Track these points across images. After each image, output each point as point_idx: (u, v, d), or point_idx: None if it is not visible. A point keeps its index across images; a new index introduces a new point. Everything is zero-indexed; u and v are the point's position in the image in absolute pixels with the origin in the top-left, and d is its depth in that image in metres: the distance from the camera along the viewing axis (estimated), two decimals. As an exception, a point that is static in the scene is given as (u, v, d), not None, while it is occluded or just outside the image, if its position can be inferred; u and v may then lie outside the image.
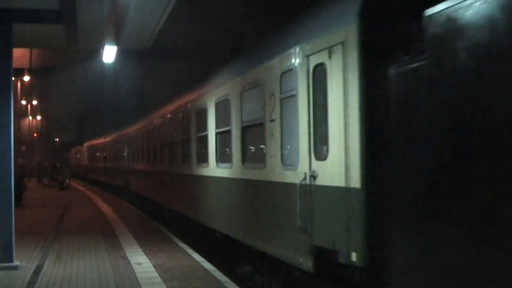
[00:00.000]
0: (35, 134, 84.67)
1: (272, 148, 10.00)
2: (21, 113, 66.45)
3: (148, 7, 12.77)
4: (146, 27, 14.35)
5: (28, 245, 16.20)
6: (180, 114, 18.38)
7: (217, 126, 13.82)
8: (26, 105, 74.25)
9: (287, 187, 9.12)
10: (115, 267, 13.12)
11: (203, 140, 15.03)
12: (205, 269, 12.86)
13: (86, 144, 64.82)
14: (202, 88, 15.71)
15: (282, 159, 9.59)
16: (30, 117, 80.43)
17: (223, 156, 13.46)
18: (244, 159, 11.79)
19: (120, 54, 16.03)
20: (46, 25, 13.90)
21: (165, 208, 22.03)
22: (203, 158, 15.23)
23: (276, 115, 9.79)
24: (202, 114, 15.19)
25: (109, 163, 43.09)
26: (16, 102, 54.41)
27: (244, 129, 11.73)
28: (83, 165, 67.39)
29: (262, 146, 10.67)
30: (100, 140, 50.45)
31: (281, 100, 9.59)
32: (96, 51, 17.00)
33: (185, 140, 17.61)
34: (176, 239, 17.54)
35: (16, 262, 13.21)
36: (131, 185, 32.16)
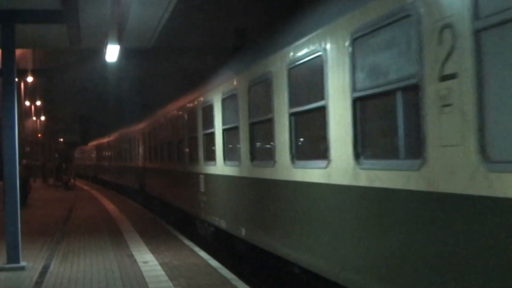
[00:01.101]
0: (39, 135, 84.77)
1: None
2: (25, 114, 66.53)
3: (150, 5, 12.76)
4: (148, 25, 14.34)
5: (35, 245, 16.22)
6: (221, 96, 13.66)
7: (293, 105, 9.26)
8: (30, 106, 74.36)
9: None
10: (122, 266, 13.13)
11: (264, 128, 10.62)
12: (212, 267, 12.86)
13: (94, 142, 61.64)
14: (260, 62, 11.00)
15: None
16: (34, 118, 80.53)
17: (307, 152, 9.12)
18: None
19: (123, 53, 16.03)
20: (49, 25, 13.91)
21: (197, 220, 17.20)
22: (264, 153, 10.79)
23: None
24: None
25: (121, 162, 38.13)
26: (20, 102, 54.46)
27: None
28: (91, 165, 64.19)
29: None
30: (109, 138, 46.46)
31: None
32: (99, 51, 17.00)
33: (229, 130, 13.09)
34: (182, 237, 17.55)
35: (22, 263, 13.23)
36: (148, 187, 27.85)
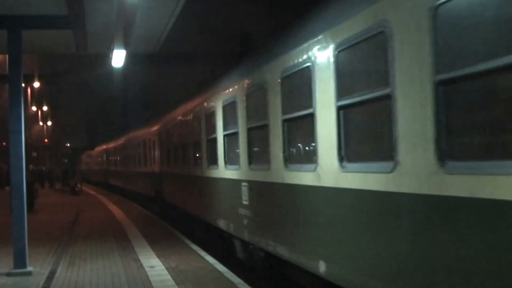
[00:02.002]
0: (46, 140, 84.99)
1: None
2: (31, 119, 66.74)
3: (156, 10, 12.78)
4: (155, 30, 14.37)
5: (41, 250, 16.25)
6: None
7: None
8: (37, 111, 74.56)
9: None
10: (128, 271, 13.14)
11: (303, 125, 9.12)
12: (218, 271, 12.85)
13: (103, 146, 57.05)
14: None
15: None
16: (41, 123, 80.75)
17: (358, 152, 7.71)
18: None
19: (129, 58, 16.07)
20: (55, 31, 13.94)
21: (236, 239, 13.87)
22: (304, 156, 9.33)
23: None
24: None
25: (134, 167, 34.88)
26: (27, 108, 54.60)
27: None
28: (100, 170, 59.60)
29: None
30: (121, 140, 42.47)
31: None
32: (105, 56, 17.04)
33: (259, 128, 11.18)
34: (188, 241, 17.55)
35: (29, 268, 13.25)
36: (166, 195, 24.40)
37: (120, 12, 11.39)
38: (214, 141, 14.88)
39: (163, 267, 13.50)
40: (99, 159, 61.52)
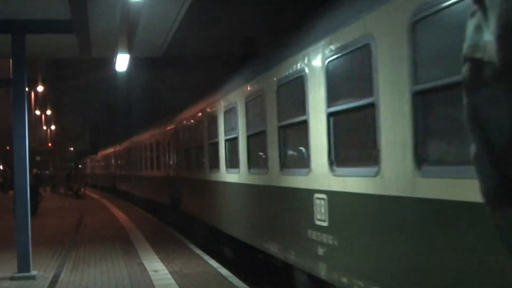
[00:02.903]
0: (49, 144, 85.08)
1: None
2: (35, 123, 66.85)
3: (160, 15, 12.81)
4: (158, 35, 14.39)
5: (45, 254, 16.26)
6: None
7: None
8: (40, 115, 74.67)
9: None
10: (132, 275, 13.14)
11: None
12: (222, 275, 12.84)
13: (112, 149, 52.14)
14: None
15: None
16: (45, 127, 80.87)
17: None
18: None
19: (133, 62, 16.09)
20: (59, 35, 13.97)
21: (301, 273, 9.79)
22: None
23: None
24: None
25: (146, 171, 31.05)
26: (30, 112, 54.69)
27: None
28: (108, 174, 54.92)
29: None
30: (131, 142, 38.27)
31: None
32: (109, 60, 17.07)
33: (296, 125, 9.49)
34: (191, 246, 17.54)
35: (33, 272, 13.26)
36: (185, 204, 20.72)
37: (124, 16, 11.41)
38: (261, 136, 11.09)
39: (166, 271, 13.49)
40: (106, 163, 56.72)
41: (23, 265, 13.15)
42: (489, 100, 1.77)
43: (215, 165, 15.29)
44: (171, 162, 23.45)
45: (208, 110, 16.13)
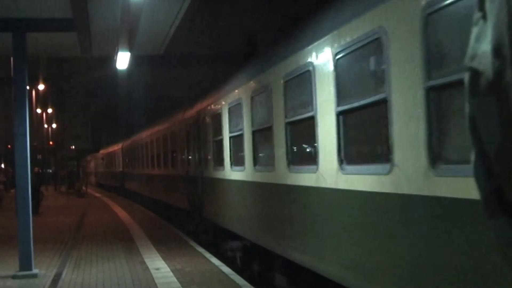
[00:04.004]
0: (51, 142, 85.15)
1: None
2: (36, 122, 66.87)
3: (161, 12, 12.80)
4: (159, 32, 14.38)
5: (47, 252, 16.26)
6: None
7: None
8: (42, 113, 74.72)
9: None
10: (134, 273, 13.14)
11: None
12: (224, 273, 12.84)
13: (119, 145, 47.62)
14: None
15: None
16: (46, 125, 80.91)
17: None
18: None
19: (134, 61, 16.08)
20: (60, 33, 13.97)
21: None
22: None
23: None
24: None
25: (160, 168, 26.77)
26: (32, 110, 54.70)
27: None
28: (115, 172, 50.19)
29: None
30: (142, 137, 33.62)
31: None
32: (110, 58, 17.06)
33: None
34: (193, 243, 17.55)
35: (35, 270, 13.26)
36: (210, 212, 16.72)
37: (125, 15, 11.40)
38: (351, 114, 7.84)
39: (168, 269, 13.50)
40: (113, 160, 51.84)
41: (25, 264, 13.15)
42: (483, 111, 1.78)
43: (268, 161, 11.16)
44: (190, 158, 19.79)
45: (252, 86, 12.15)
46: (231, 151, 14.24)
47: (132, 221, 25.38)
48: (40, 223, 23.10)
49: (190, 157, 19.96)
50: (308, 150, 9.54)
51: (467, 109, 1.84)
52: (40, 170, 49.03)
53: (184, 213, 21.27)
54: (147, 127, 33.87)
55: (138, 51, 15.96)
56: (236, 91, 13.59)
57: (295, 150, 10.04)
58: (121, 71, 20.76)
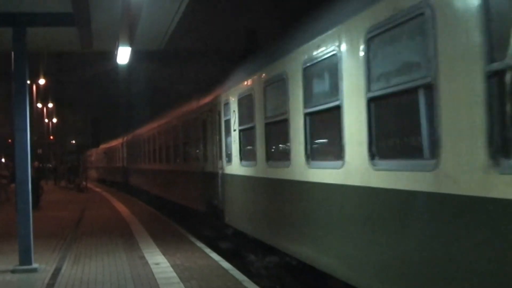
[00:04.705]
0: (51, 137, 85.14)
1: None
2: (37, 116, 66.86)
3: (161, 7, 12.78)
4: (160, 27, 14.35)
5: (47, 247, 16.26)
6: None
7: None
8: (42, 108, 74.70)
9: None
10: (133, 268, 13.14)
11: None
12: (223, 268, 12.85)
13: (123, 138, 44.11)
14: None
15: None
16: (46, 120, 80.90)
17: None
18: None
19: (134, 55, 16.06)
20: (60, 28, 13.95)
21: None
22: None
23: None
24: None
25: (170, 164, 24.24)
26: (32, 105, 54.66)
27: None
28: (118, 167, 47.32)
29: None
30: (150, 128, 30.51)
31: None
32: (110, 53, 17.03)
33: None
34: (193, 239, 17.54)
35: (34, 265, 13.27)
36: (232, 215, 14.55)
37: (125, 9, 11.39)
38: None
39: (168, 264, 13.50)
40: (116, 155, 49.53)
41: (25, 258, 13.16)
42: None
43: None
44: (207, 151, 17.05)
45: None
46: (266, 142, 11.48)
47: (132, 216, 25.37)
48: (40, 218, 23.09)
49: (207, 150, 17.15)
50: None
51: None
52: (41, 165, 48.97)
53: (200, 215, 18.65)
54: (154, 118, 30.49)
55: (138, 46, 15.94)
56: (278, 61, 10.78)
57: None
58: (122, 66, 20.63)
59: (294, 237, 10.19)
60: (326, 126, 9.08)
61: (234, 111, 13.68)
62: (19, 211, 13.32)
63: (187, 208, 20.41)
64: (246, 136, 12.97)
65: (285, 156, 10.40)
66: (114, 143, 51.82)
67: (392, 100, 6.79)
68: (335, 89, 8.10)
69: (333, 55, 8.15)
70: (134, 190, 38.59)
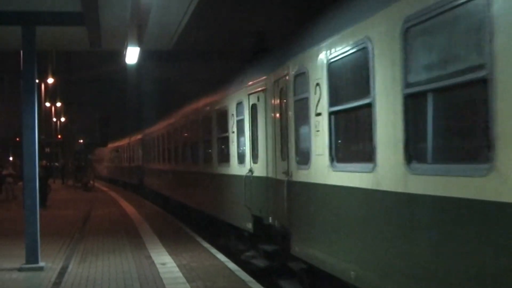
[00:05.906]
0: (59, 136, 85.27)
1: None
2: (45, 115, 66.97)
3: (170, 7, 12.79)
4: (169, 27, 14.37)
5: (54, 246, 16.29)
6: None
7: None
8: (50, 107, 74.84)
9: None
10: (140, 268, 13.15)
11: None
12: (229, 269, 12.84)
13: (139, 135, 39.26)
14: None
15: None
16: (54, 119, 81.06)
17: None
18: None
19: (143, 55, 16.07)
20: (69, 27, 13.97)
21: None
22: None
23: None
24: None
25: (201, 166, 19.11)
26: (40, 104, 54.78)
27: None
28: (133, 167, 42.67)
29: None
30: (171, 121, 25.71)
31: None
32: (119, 53, 17.05)
33: None
34: (199, 239, 17.55)
35: (41, 263, 13.30)
36: (300, 243, 10.01)
37: (134, 9, 11.39)
38: None
39: (174, 264, 13.50)
40: (130, 153, 44.48)
41: (31, 257, 13.19)
42: None
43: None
44: (259, 147, 12.76)
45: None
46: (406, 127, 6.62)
47: (138, 215, 25.41)
48: (47, 216, 23.15)
49: (257, 146, 12.86)
50: None
51: None
52: (48, 163, 49.02)
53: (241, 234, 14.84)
54: (182, 106, 24.05)
55: (147, 46, 15.95)
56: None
57: None
58: (131, 65, 20.66)
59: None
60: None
61: (318, 84, 9.07)
62: (26, 208, 13.34)
63: (224, 223, 16.13)
64: (347, 122, 8.69)
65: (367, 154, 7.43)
66: (128, 140, 46.34)
67: (427, 96, 5.88)
68: None
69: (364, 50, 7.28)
70: (151, 195, 34.06)
